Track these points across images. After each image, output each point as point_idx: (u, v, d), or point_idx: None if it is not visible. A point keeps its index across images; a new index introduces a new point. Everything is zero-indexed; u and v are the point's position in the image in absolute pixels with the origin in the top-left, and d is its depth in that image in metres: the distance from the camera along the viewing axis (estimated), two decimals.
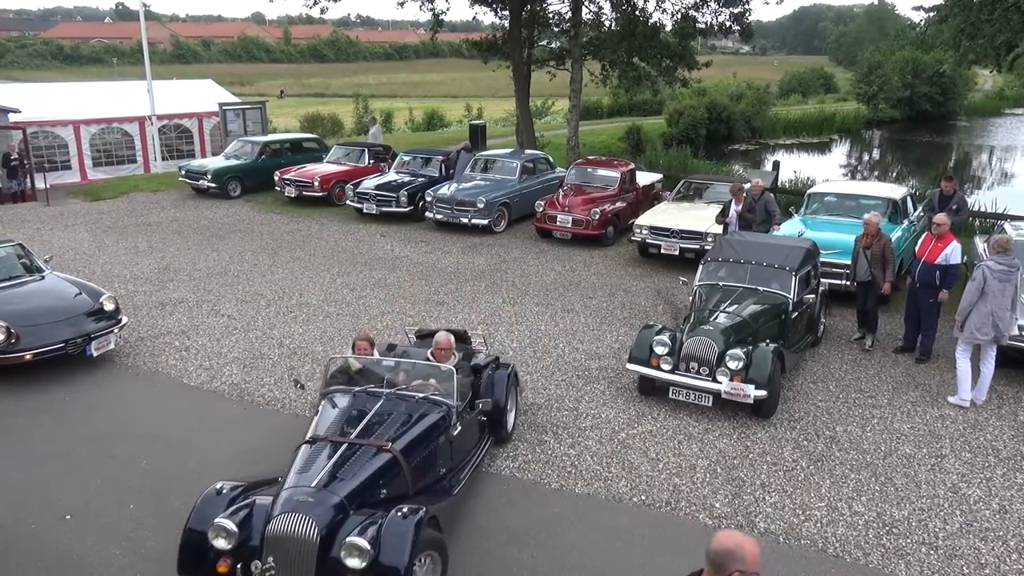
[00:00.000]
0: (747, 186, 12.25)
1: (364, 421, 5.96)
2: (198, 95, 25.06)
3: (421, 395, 6.36)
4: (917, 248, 9.50)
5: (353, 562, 4.76)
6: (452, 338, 7.23)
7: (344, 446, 5.61)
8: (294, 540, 4.87)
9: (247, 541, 5.00)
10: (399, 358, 7.00)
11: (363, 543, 4.77)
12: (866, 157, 40.50)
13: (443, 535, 5.38)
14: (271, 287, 12.29)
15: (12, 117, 19.68)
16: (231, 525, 4.97)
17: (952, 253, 9.01)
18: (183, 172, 19.69)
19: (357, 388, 6.43)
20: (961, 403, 8.39)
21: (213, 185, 18.78)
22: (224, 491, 5.29)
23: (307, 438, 5.81)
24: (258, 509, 5.12)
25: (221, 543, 4.96)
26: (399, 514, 5.00)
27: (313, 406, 6.17)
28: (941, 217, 9.26)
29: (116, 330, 9.45)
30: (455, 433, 6.34)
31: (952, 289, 9.24)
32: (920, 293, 9.35)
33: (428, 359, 7.05)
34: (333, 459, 5.46)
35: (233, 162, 19.61)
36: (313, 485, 5.18)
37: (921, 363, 9.42)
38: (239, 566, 4.94)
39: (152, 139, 22.53)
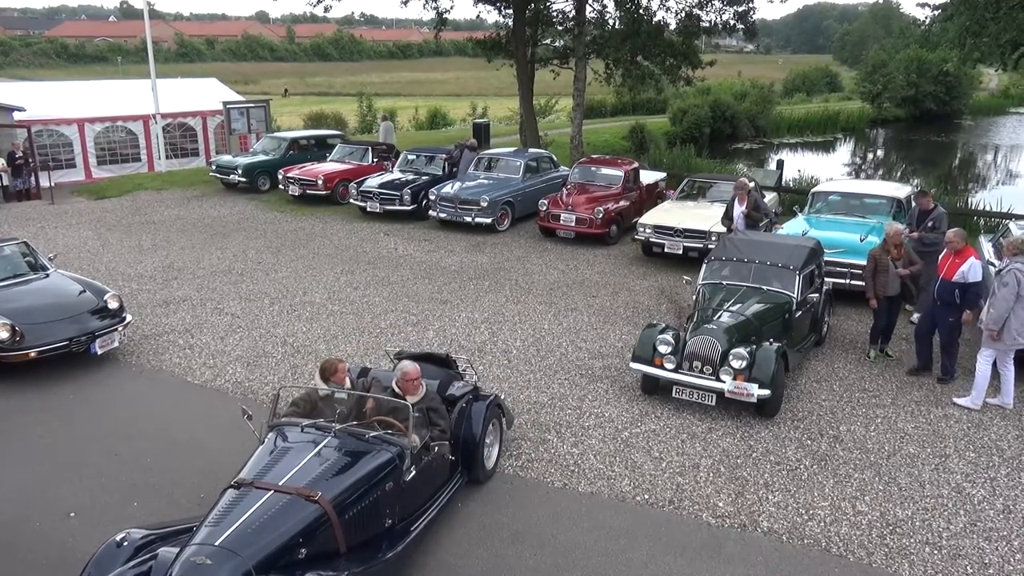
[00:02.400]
0: (751, 184, 12.20)
1: (300, 463, 5.24)
2: (202, 94, 25.09)
3: (373, 434, 5.59)
4: (937, 265, 8.89)
5: None
6: (417, 368, 6.33)
7: (268, 494, 4.93)
8: None
9: None
10: (358, 392, 6.24)
11: None
12: (870, 156, 40.42)
13: None
14: (275, 285, 12.31)
15: (17, 115, 19.72)
16: None
17: (970, 270, 8.41)
18: (213, 167, 20.18)
19: (306, 422, 5.70)
20: (973, 406, 8.26)
21: (244, 180, 19.23)
22: (126, 543, 4.83)
23: (232, 481, 5.15)
24: (158, 566, 4.58)
25: None
26: None
27: (259, 438, 5.73)
28: (951, 232, 8.69)
29: (120, 328, 9.47)
30: (407, 478, 5.56)
31: (976, 309, 8.72)
32: (939, 312, 8.74)
33: (395, 388, 6.31)
34: (251, 510, 4.80)
35: (262, 157, 20.07)
36: (218, 543, 4.55)
37: (943, 383, 8.85)
38: None
39: (156, 138, 22.56)
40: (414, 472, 5.64)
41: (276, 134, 21.89)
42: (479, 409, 6.66)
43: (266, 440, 5.64)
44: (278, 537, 4.71)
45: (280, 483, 5.05)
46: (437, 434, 6.11)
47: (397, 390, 6.27)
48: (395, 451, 5.54)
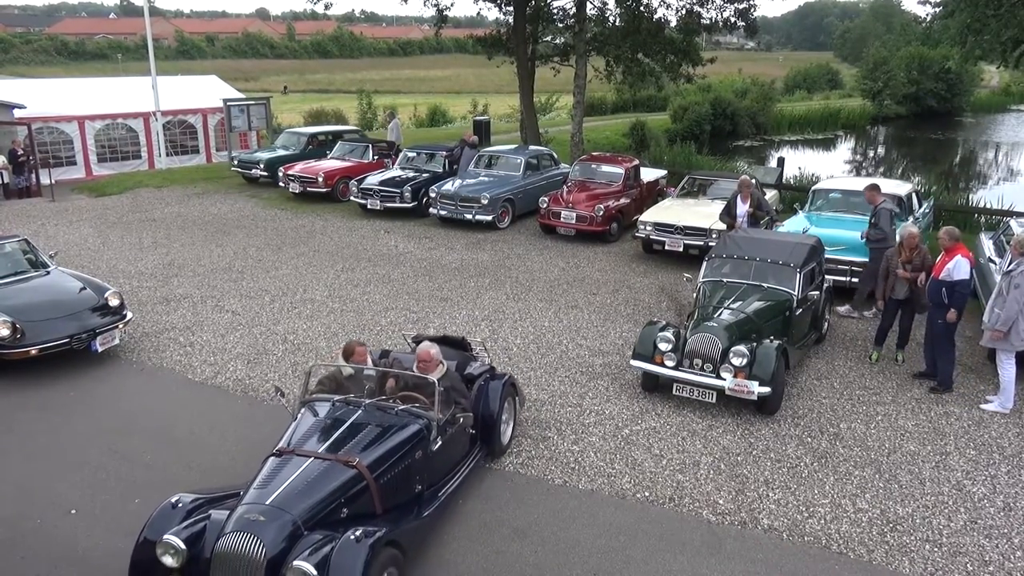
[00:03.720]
0: (753, 182, 12.15)
1: (336, 434, 5.69)
2: (202, 91, 25.08)
3: (401, 407, 6.05)
4: (934, 266, 8.68)
5: None
6: (435, 349, 6.69)
7: (309, 461, 5.36)
8: (241, 560, 4.69)
9: (198, 558, 4.83)
10: (384, 368, 6.69)
11: (309, 568, 4.57)
12: (871, 153, 40.39)
13: (405, 556, 5.21)
14: (275, 283, 12.31)
15: (17, 113, 19.71)
16: (178, 542, 4.83)
17: (956, 268, 8.19)
18: (235, 162, 20.53)
19: (337, 398, 6.15)
20: (1002, 409, 8.12)
21: (265, 174, 19.53)
22: (180, 504, 5.14)
23: (274, 450, 5.59)
24: (212, 525, 4.96)
25: (168, 560, 4.83)
26: (353, 537, 4.77)
27: (292, 414, 6.14)
28: (942, 231, 8.54)
29: (121, 326, 9.47)
30: (434, 448, 6.01)
31: (963, 309, 8.40)
32: (930, 312, 8.57)
33: (416, 368, 6.63)
34: (295, 475, 5.22)
35: (282, 152, 20.34)
36: (268, 503, 4.97)
37: (936, 393, 8.55)
38: None
39: (156, 135, 22.56)
40: (440, 443, 6.08)
41: (295, 129, 22.60)
42: (496, 387, 7.05)
43: (300, 415, 6.06)
44: (321, 497, 5.11)
45: (319, 451, 5.48)
46: (459, 409, 6.51)
47: (418, 369, 6.54)
48: (423, 423, 5.97)
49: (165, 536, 4.85)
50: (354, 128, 25.14)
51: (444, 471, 6.27)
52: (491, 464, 7.09)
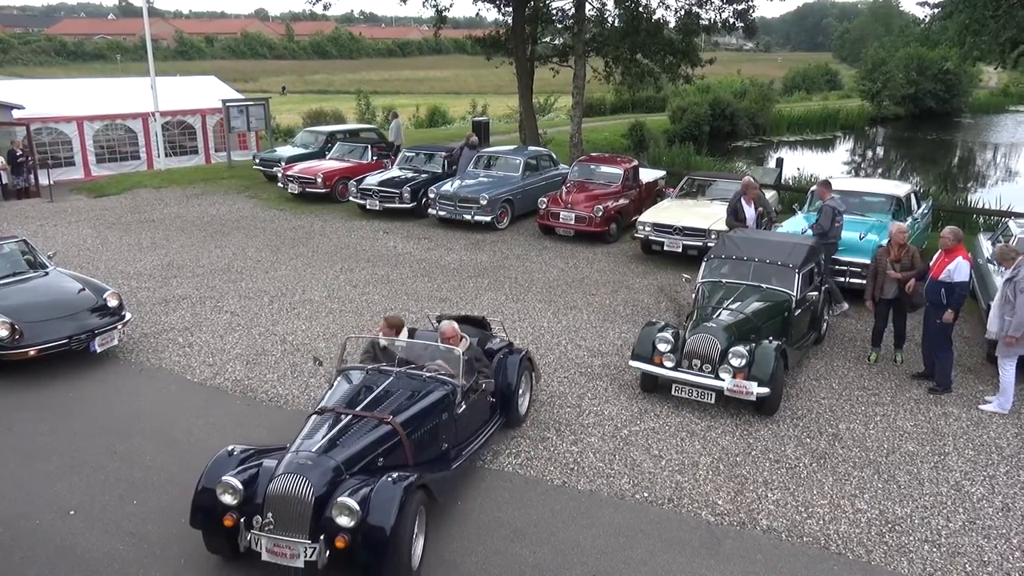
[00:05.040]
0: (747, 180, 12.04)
1: (371, 396, 6.34)
2: (201, 91, 25.07)
3: (428, 374, 6.67)
4: (932, 265, 8.62)
5: (343, 521, 5.14)
6: (456, 326, 7.35)
7: (348, 417, 6.00)
8: (292, 499, 5.27)
9: (252, 499, 5.39)
10: (413, 341, 7.34)
11: (353, 504, 5.14)
12: (870, 154, 40.42)
13: (433, 501, 5.82)
14: (274, 284, 12.31)
15: (16, 113, 19.70)
16: (237, 483, 5.37)
17: (956, 269, 8.20)
18: (257, 161, 20.88)
19: (370, 366, 6.83)
20: (1001, 410, 8.16)
21: None
22: (234, 453, 5.70)
23: (316, 409, 6.24)
24: (264, 470, 5.53)
25: (227, 499, 5.36)
26: (389, 479, 5.36)
27: (328, 381, 6.76)
28: (947, 229, 8.47)
29: (120, 326, 9.47)
30: (459, 411, 6.65)
31: (960, 310, 8.43)
32: (928, 313, 8.57)
33: (439, 343, 7.23)
34: (335, 428, 5.86)
35: (302, 150, 20.66)
36: (314, 450, 5.58)
37: (935, 394, 8.55)
38: (243, 520, 5.31)
39: (155, 135, 22.55)
40: (464, 407, 6.72)
41: (314, 128, 23.39)
42: (514, 361, 7.70)
43: (336, 382, 6.71)
44: (360, 448, 5.76)
45: (357, 409, 6.14)
46: (482, 377, 7.12)
47: (442, 343, 7.17)
48: (448, 388, 6.62)
49: (224, 477, 5.40)
50: (371, 127, 25.32)
51: (468, 433, 6.89)
52: (491, 464, 7.10)
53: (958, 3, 16.34)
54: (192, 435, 7.62)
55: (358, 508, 5.14)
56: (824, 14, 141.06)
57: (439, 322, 7.97)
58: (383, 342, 7.22)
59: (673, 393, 8.18)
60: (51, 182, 18.98)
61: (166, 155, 22.89)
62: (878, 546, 6.03)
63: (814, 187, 13.91)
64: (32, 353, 8.63)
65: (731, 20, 22.70)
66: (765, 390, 7.67)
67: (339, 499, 5.18)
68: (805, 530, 6.22)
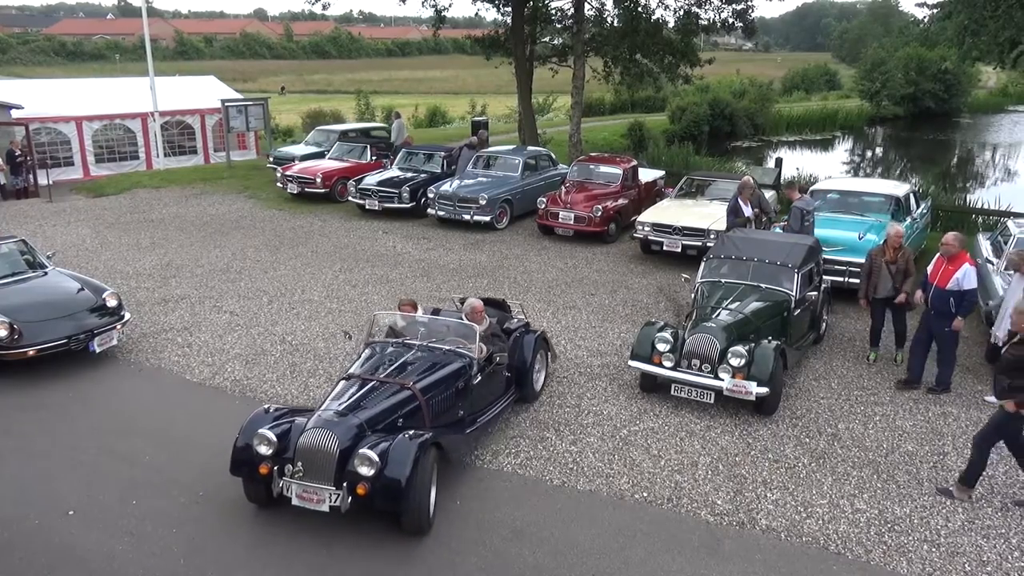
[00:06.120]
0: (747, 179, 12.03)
1: (394, 365, 6.93)
2: (200, 91, 25.06)
3: (447, 347, 7.24)
4: (929, 271, 8.59)
5: (364, 470, 5.76)
6: (481, 303, 7.97)
7: (372, 382, 6.63)
8: (319, 451, 5.92)
9: (284, 450, 6.03)
10: (435, 317, 7.99)
11: (372, 455, 5.76)
12: (869, 154, 40.44)
13: (446, 459, 6.44)
14: (273, 283, 12.30)
15: (15, 113, 19.69)
16: (272, 435, 6.03)
17: (965, 278, 8.14)
18: (271, 159, 21.01)
19: (395, 340, 7.46)
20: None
21: None
22: (270, 411, 6.37)
23: (344, 375, 6.87)
24: (295, 426, 6.19)
25: (263, 450, 6.01)
26: (406, 436, 5.98)
27: (357, 352, 7.42)
28: (950, 236, 8.38)
29: (119, 326, 9.46)
30: (475, 382, 7.20)
31: (968, 316, 8.46)
32: (935, 321, 8.42)
33: (464, 318, 7.79)
34: (360, 392, 6.51)
35: (316, 149, 20.85)
36: (340, 409, 6.23)
37: (935, 393, 8.55)
38: (276, 469, 5.97)
39: (154, 135, 22.54)
40: (480, 378, 7.29)
41: (326, 127, 23.77)
42: (530, 340, 8.26)
43: (363, 354, 7.29)
44: (382, 409, 6.38)
45: (382, 376, 6.74)
46: (497, 351, 7.61)
47: (466, 319, 7.75)
48: (465, 360, 7.20)
49: (260, 430, 6.06)
50: (382, 125, 25.44)
51: (483, 403, 7.43)
52: (490, 465, 7.10)
53: (957, 3, 16.35)
54: (191, 435, 7.62)
55: (377, 459, 5.73)
56: (823, 14, 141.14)
57: (462, 303, 8.43)
58: (402, 321, 7.76)
59: (672, 393, 8.19)
60: (50, 182, 18.97)
61: (165, 155, 22.88)
62: (877, 546, 6.04)
63: (815, 187, 13.94)
64: (31, 353, 8.63)
65: (730, 20, 22.69)
66: (764, 390, 7.67)
67: (360, 451, 5.80)
68: (804, 530, 6.22)
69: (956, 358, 8.73)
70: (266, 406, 6.49)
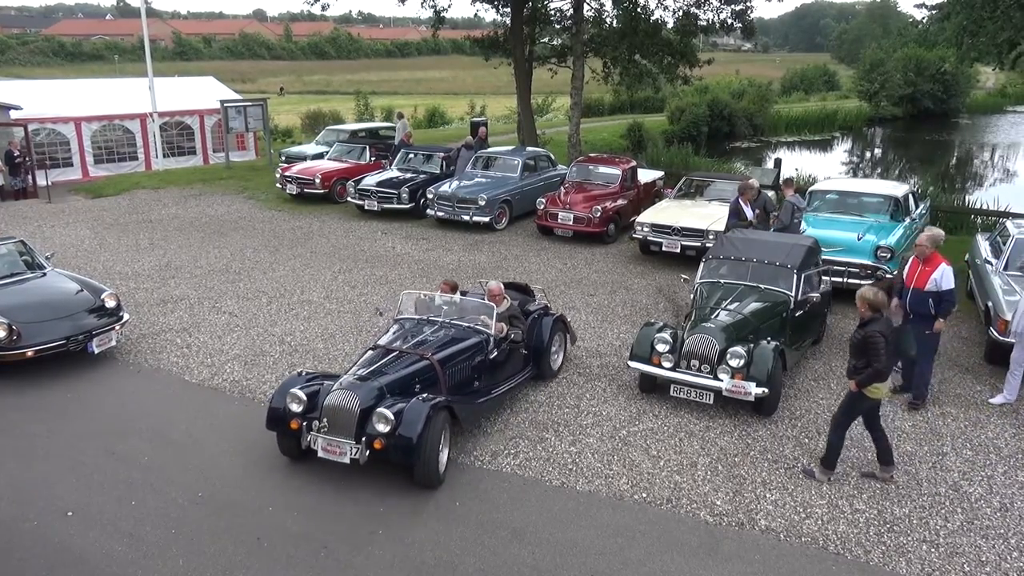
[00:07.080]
0: (753, 182, 12.01)
1: (417, 338, 7.64)
2: (199, 92, 25.07)
3: (467, 324, 7.92)
4: (905, 274, 8.31)
5: (380, 427, 6.46)
6: (501, 285, 8.63)
7: (395, 352, 7.35)
8: (342, 410, 6.62)
9: (312, 408, 6.77)
10: (456, 297, 8.52)
11: (388, 413, 6.45)
12: (868, 155, 40.47)
13: (458, 423, 6.96)
14: (272, 284, 12.30)
15: (14, 114, 19.69)
16: (302, 394, 6.78)
17: (942, 278, 7.94)
18: (283, 158, 21.30)
19: (419, 316, 8.15)
20: (1006, 401, 8.29)
21: None
22: (302, 374, 7.17)
23: (371, 346, 7.62)
24: (324, 388, 6.92)
25: (294, 407, 6.76)
26: (420, 399, 6.66)
27: (386, 327, 8.20)
28: (924, 237, 8.21)
29: (118, 327, 9.46)
30: (491, 357, 7.85)
31: (948, 317, 8.27)
32: (914, 325, 8.17)
33: (486, 299, 8.40)
34: (383, 360, 7.23)
35: (324, 148, 21.04)
36: (363, 375, 6.94)
37: (915, 408, 8.25)
38: (305, 424, 6.70)
39: (153, 136, 22.54)
40: (496, 353, 7.94)
41: (335, 126, 24.69)
42: (548, 322, 8.82)
43: (391, 328, 8.03)
44: (402, 376, 7.06)
45: (404, 347, 7.46)
46: (514, 329, 8.27)
47: (487, 299, 8.40)
48: (483, 336, 7.88)
49: (292, 389, 6.83)
50: (391, 125, 25.53)
51: (499, 378, 8.02)
52: (489, 465, 7.10)
53: (955, 4, 16.35)
54: (190, 436, 7.61)
55: (392, 417, 6.43)
56: (822, 15, 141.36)
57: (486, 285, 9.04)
58: (427, 300, 8.36)
59: (671, 393, 8.19)
60: (49, 183, 18.97)
61: (164, 156, 22.89)
62: (876, 546, 6.04)
63: (812, 188, 13.98)
64: (30, 354, 8.62)
65: (729, 21, 22.69)
66: (763, 390, 7.67)
67: (378, 409, 6.51)
68: (803, 530, 6.22)
69: (933, 369, 8.54)
70: (298, 370, 7.42)
